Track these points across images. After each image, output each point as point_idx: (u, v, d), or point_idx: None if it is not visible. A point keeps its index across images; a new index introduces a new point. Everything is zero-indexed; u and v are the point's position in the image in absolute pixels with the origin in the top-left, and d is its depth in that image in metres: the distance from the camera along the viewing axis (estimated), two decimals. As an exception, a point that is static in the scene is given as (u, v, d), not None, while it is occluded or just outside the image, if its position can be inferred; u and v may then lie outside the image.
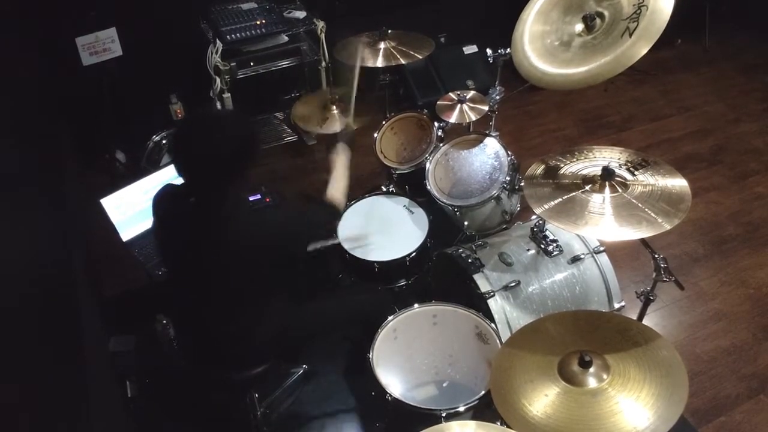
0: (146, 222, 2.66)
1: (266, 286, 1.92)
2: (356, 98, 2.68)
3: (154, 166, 3.04)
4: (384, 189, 2.78)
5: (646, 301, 2.03)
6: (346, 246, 2.46)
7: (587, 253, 2.32)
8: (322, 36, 3.34)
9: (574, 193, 1.82)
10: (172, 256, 1.99)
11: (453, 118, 2.55)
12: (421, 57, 2.66)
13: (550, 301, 2.24)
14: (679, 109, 4.14)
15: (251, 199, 2.68)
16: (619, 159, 1.92)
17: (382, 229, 2.56)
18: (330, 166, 2.19)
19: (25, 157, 2.13)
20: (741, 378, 2.50)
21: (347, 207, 2.66)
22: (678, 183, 1.80)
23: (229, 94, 3.23)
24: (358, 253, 2.42)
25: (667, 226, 1.66)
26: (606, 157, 1.95)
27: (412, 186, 2.83)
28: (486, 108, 2.56)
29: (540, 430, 1.47)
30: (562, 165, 1.96)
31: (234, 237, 1.77)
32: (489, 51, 2.48)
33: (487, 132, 2.62)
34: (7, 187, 1.78)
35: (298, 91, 3.63)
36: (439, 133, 2.69)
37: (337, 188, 2.10)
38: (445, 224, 2.63)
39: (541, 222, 2.36)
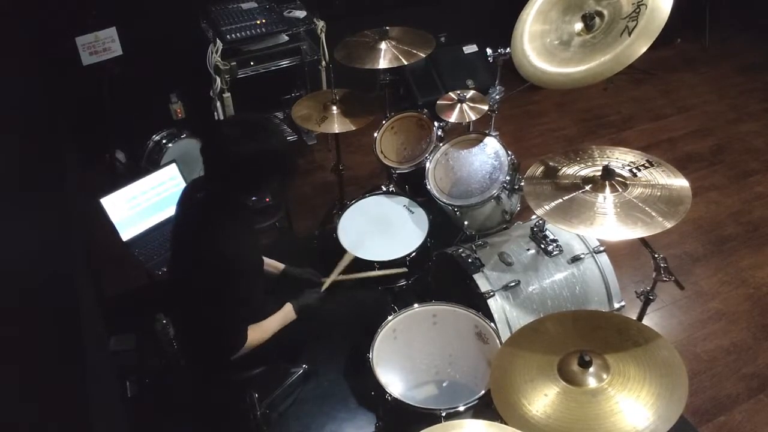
0: (146, 221, 2.67)
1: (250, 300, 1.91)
2: (357, 99, 2.69)
3: (154, 165, 3.04)
4: (384, 189, 2.77)
5: (646, 300, 2.03)
6: (346, 246, 2.46)
7: (587, 253, 2.32)
8: (322, 35, 3.34)
9: (574, 194, 1.82)
10: (172, 248, 2.00)
11: (453, 118, 2.55)
12: (423, 55, 2.66)
13: (549, 301, 2.24)
14: (679, 108, 4.14)
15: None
16: (621, 160, 1.92)
17: (382, 229, 2.56)
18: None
19: (25, 157, 2.13)
20: (741, 378, 2.50)
21: (348, 206, 2.66)
22: (679, 183, 1.80)
23: (229, 94, 3.23)
24: (358, 253, 2.42)
25: (668, 225, 1.66)
26: (608, 157, 1.95)
27: (412, 185, 2.83)
28: (486, 107, 2.56)
29: (540, 430, 1.47)
30: (562, 165, 1.96)
31: (214, 247, 1.78)
32: (489, 50, 2.48)
33: (486, 131, 2.62)
34: (8, 186, 1.78)
35: (298, 91, 3.63)
36: (439, 133, 2.69)
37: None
38: (445, 224, 2.63)
39: (541, 222, 2.36)
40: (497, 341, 2.00)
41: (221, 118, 3.28)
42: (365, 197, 2.72)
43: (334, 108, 2.63)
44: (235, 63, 3.19)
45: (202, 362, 2.08)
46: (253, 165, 1.74)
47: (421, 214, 2.59)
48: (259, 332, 1.91)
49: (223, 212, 1.82)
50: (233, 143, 1.71)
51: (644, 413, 1.46)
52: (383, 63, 2.61)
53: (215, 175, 1.79)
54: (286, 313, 2.01)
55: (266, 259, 2.21)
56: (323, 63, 3.40)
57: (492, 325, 2.08)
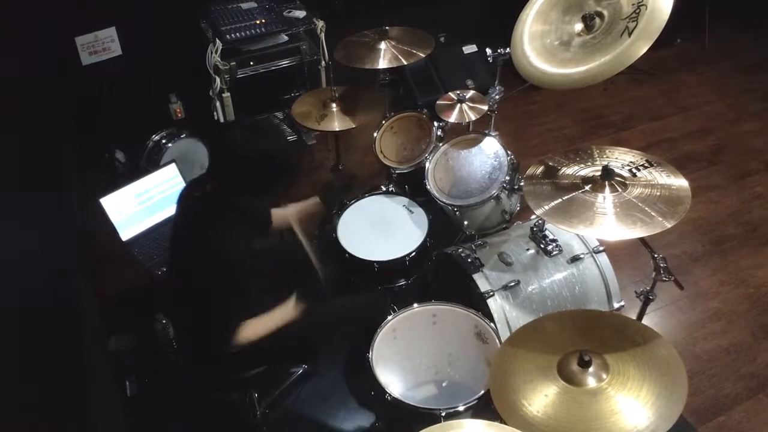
0: (146, 221, 2.68)
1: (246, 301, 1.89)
2: (356, 96, 2.69)
3: (154, 165, 3.04)
4: (384, 189, 2.77)
5: (646, 300, 2.04)
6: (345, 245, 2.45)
7: (587, 253, 2.32)
8: (322, 35, 3.33)
9: (574, 194, 1.83)
10: (171, 248, 2.01)
11: (453, 118, 2.55)
12: (422, 55, 2.66)
13: (549, 301, 2.24)
14: (679, 108, 4.14)
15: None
16: (621, 159, 1.92)
17: (382, 229, 2.56)
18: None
19: (25, 157, 2.13)
20: (740, 377, 2.50)
21: (347, 206, 2.66)
22: (679, 183, 1.80)
23: (228, 94, 3.23)
24: (358, 253, 2.42)
25: (668, 225, 1.66)
26: (608, 157, 1.95)
27: (411, 185, 2.83)
28: (485, 108, 2.56)
29: (540, 430, 1.47)
30: (562, 165, 1.96)
31: (206, 243, 1.78)
32: (489, 50, 2.48)
33: (486, 131, 2.62)
34: (8, 186, 1.78)
35: (298, 91, 3.63)
36: (439, 133, 2.69)
37: None
38: (444, 224, 2.63)
39: (540, 222, 2.36)
40: (497, 341, 2.00)
41: (221, 118, 3.28)
42: (365, 197, 2.72)
43: (334, 105, 2.63)
44: (234, 63, 3.19)
45: (202, 362, 2.08)
46: (261, 165, 1.75)
47: (420, 214, 2.59)
48: (258, 327, 1.88)
49: (221, 210, 1.81)
50: (243, 143, 1.74)
51: (644, 413, 1.46)
52: (383, 63, 2.60)
53: (221, 174, 1.79)
54: (286, 309, 1.97)
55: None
56: (323, 63, 3.40)
57: (492, 325, 2.08)
